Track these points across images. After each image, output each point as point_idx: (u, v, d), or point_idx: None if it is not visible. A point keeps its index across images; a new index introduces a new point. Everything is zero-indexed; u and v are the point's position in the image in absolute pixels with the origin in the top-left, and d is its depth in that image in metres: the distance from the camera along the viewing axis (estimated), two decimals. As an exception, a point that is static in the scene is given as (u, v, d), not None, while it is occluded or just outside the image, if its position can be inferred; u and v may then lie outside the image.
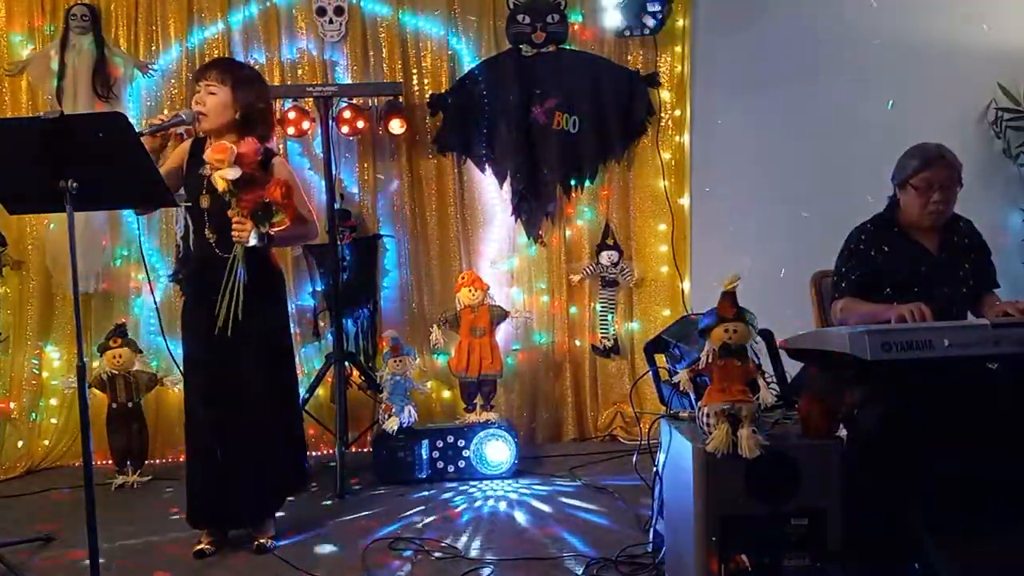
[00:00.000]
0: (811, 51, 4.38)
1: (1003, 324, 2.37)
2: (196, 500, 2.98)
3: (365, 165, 4.41)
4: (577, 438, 4.45)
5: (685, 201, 4.49)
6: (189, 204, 2.90)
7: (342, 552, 2.99)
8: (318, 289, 4.34)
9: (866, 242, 2.87)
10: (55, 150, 2.26)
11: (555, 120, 4.37)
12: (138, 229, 3.60)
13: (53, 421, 4.29)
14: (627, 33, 4.34)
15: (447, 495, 3.60)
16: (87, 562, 2.33)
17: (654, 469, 2.74)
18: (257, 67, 3.97)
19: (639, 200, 4.50)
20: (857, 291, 2.83)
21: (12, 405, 4.27)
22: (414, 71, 4.39)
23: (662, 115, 4.45)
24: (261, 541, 2.99)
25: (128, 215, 4.31)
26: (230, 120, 2.85)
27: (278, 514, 3.17)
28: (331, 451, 4.13)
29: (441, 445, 3.78)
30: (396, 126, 4.19)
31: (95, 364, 3.97)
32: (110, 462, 3.96)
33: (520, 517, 3.31)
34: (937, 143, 2.84)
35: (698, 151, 4.46)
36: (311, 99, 4.10)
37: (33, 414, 4.29)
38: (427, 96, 4.36)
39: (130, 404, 3.93)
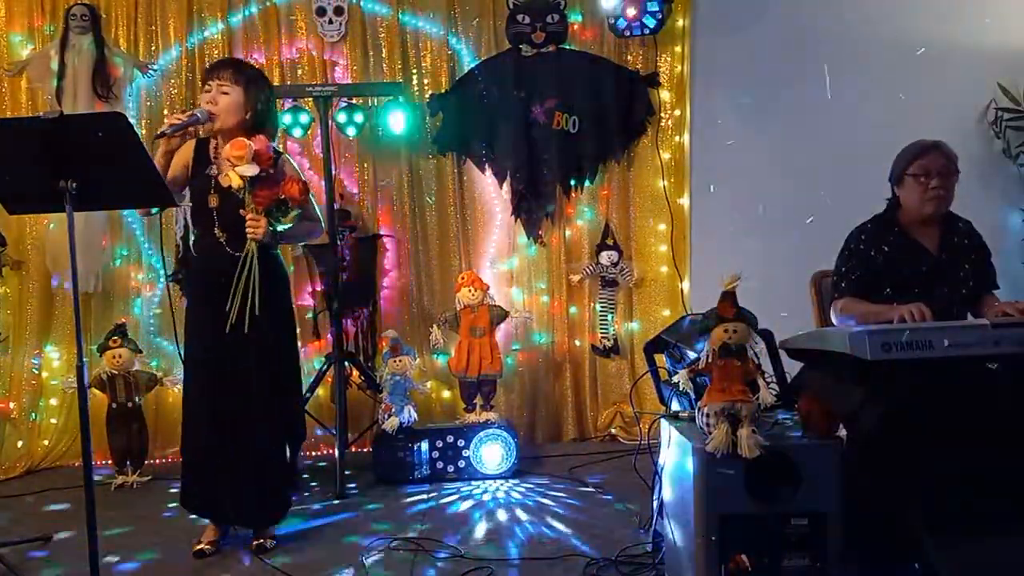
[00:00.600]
0: (811, 51, 4.38)
1: (1003, 324, 2.37)
2: (194, 491, 2.99)
3: (365, 165, 4.41)
4: (577, 438, 4.45)
5: (685, 201, 4.49)
6: (192, 205, 2.90)
7: (342, 552, 2.99)
8: (318, 289, 4.34)
9: (866, 242, 2.87)
10: (55, 150, 2.26)
11: (555, 120, 4.37)
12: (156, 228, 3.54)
13: (53, 421, 4.29)
14: (627, 33, 4.34)
15: (447, 495, 3.61)
16: (87, 562, 2.33)
17: (654, 469, 2.74)
18: (253, 64, 3.96)
19: (639, 200, 4.50)
20: (857, 291, 2.83)
21: (12, 405, 4.27)
22: (414, 71, 4.40)
23: (662, 115, 4.45)
24: (261, 541, 2.99)
25: (128, 215, 4.31)
26: (241, 120, 2.86)
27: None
28: (331, 451, 4.12)
29: (441, 445, 3.78)
30: (396, 126, 4.19)
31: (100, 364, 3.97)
32: (110, 462, 3.96)
33: (520, 517, 3.31)
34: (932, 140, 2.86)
35: (698, 151, 4.46)
36: (311, 99, 4.10)
37: (33, 414, 4.29)
38: (427, 96, 4.36)
39: (130, 404, 3.93)
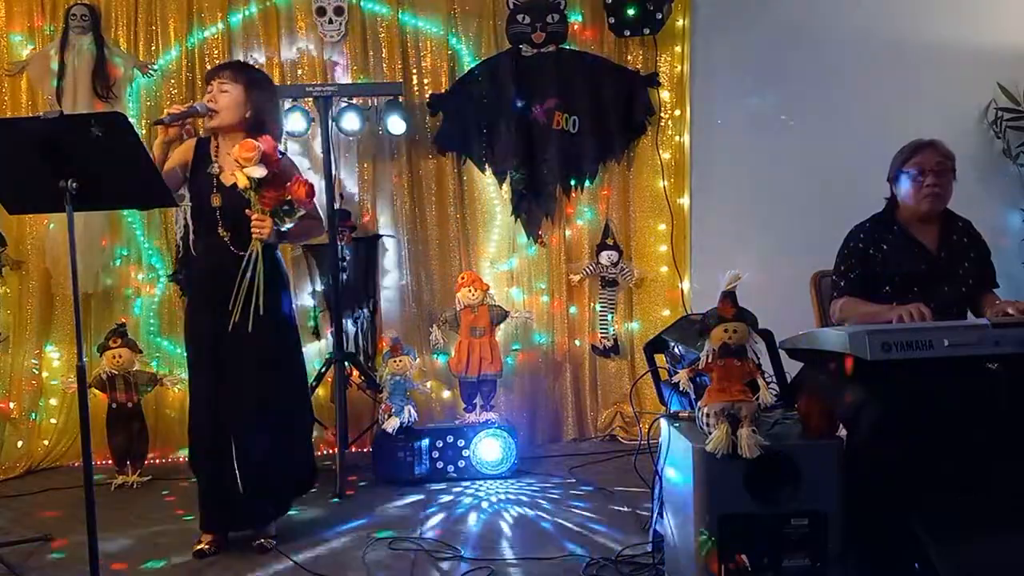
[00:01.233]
0: (811, 51, 4.38)
1: (1003, 324, 2.37)
2: (208, 505, 2.98)
3: (365, 165, 4.41)
4: (577, 438, 4.45)
5: (685, 201, 4.49)
6: (194, 204, 2.90)
7: (342, 552, 2.99)
8: (318, 289, 4.34)
9: (865, 241, 2.87)
10: (55, 150, 2.26)
11: (555, 120, 4.37)
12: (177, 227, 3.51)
13: (53, 421, 4.29)
14: (627, 33, 4.34)
15: (447, 495, 3.60)
16: (87, 562, 2.33)
17: (654, 469, 2.74)
18: (257, 67, 3.95)
19: (639, 200, 4.50)
20: (856, 290, 2.83)
21: (12, 405, 4.27)
22: (414, 71, 4.40)
23: (662, 115, 4.45)
24: (261, 541, 2.99)
25: (128, 215, 4.31)
26: (241, 119, 2.87)
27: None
28: (331, 451, 4.12)
29: (441, 445, 3.78)
30: (396, 126, 4.19)
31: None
32: (110, 462, 3.96)
33: (520, 517, 3.31)
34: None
35: (698, 151, 4.46)
36: (311, 99, 4.10)
37: (33, 414, 4.29)
38: (427, 96, 4.36)
39: (130, 404, 3.93)
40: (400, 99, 4.24)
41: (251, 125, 2.87)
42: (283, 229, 2.82)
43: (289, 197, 2.76)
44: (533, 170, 4.40)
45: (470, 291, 3.88)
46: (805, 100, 4.38)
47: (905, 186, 2.83)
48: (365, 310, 4.37)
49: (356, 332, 4.35)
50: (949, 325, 2.45)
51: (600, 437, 4.45)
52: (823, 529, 2.28)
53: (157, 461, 4.21)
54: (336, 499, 3.58)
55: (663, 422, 2.63)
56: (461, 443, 3.79)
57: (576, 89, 4.36)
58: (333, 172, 4.02)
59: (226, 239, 2.85)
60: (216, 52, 4.29)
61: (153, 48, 4.30)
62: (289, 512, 3.22)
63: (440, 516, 3.35)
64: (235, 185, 2.78)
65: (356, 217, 4.35)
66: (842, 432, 2.42)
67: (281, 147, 2.91)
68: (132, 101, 4.28)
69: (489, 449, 3.79)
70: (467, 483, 3.74)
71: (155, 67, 4.29)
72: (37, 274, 4.29)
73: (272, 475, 2.95)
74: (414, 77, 4.40)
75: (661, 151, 4.45)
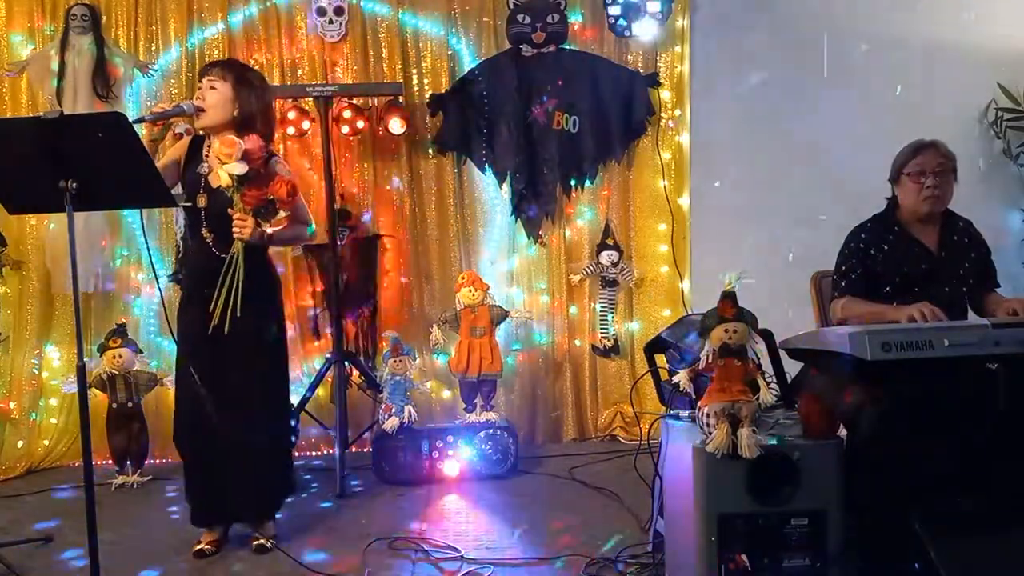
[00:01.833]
0: (811, 51, 4.38)
1: (1003, 324, 2.38)
2: (197, 500, 2.99)
3: (365, 165, 4.41)
4: (577, 438, 4.45)
5: (685, 201, 4.49)
6: (188, 204, 2.90)
7: (342, 552, 2.99)
8: (318, 289, 4.34)
9: (866, 241, 2.87)
10: (55, 150, 2.26)
11: (555, 120, 4.37)
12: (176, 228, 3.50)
13: (53, 421, 4.29)
14: (627, 33, 4.34)
15: (447, 495, 3.60)
16: (87, 562, 2.33)
17: (654, 469, 2.74)
18: (257, 67, 3.96)
19: (639, 200, 4.50)
20: (857, 290, 2.83)
21: (12, 405, 4.27)
22: (414, 71, 4.40)
23: (662, 115, 4.45)
24: (261, 541, 2.99)
25: (128, 215, 4.31)
26: (229, 117, 2.85)
27: (278, 515, 3.16)
28: (331, 451, 4.12)
29: (441, 445, 3.78)
30: (396, 126, 4.19)
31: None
32: (110, 462, 3.96)
33: (520, 517, 3.31)
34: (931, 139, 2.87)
35: (698, 151, 4.46)
36: (311, 99, 4.10)
37: (33, 414, 4.29)
38: (427, 96, 4.36)
39: (130, 404, 3.93)
40: (400, 99, 4.24)
41: (239, 124, 2.84)
42: (267, 231, 2.79)
43: (271, 196, 2.73)
44: (533, 170, 4.40)
45: (470, 291, 3.88)
46: (805, 100, 4.38)
47: (906, 187, 2.83)
48: (365, 310, 4.37)
49: (356, 332, 4.35)
50: (949, 325, 2.45)
51: (600, 437, 4.45)
52: (823, 529, 2.28)
53: (157, 461, 4.21)
54: (336, 499, 3.57)
55: (663, 422, 2.63)
56: (461, 443, 3.78)
57: (576, 89, 4.36)
58: (333, 172, 4.02)
59: (209, 241, 2.85)
60: (216, 52, 4.28)
61: (153, 48, 4.30)
62: (288, 512, 3.21)
63: (440, 516, 3.35)
64: (220, 187, 2.77)
65: (356, 217, 4.35)
66: (842, 432, 2.41)
67: (276, 148, 2.88)
68: (132, 101, 4.28)
69: (489, 449, 3.79)
70: (467, 483, 3.74)
71: (155, 67, 4.29)
72: (37, 274, 4.29)
73: (254, 472, 2.93)
74: (414, 77, 4.40)
75: (661, 151, 4.45)
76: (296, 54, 4.34)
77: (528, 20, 4.28)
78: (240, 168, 2.67)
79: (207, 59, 4.25)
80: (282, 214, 2.79)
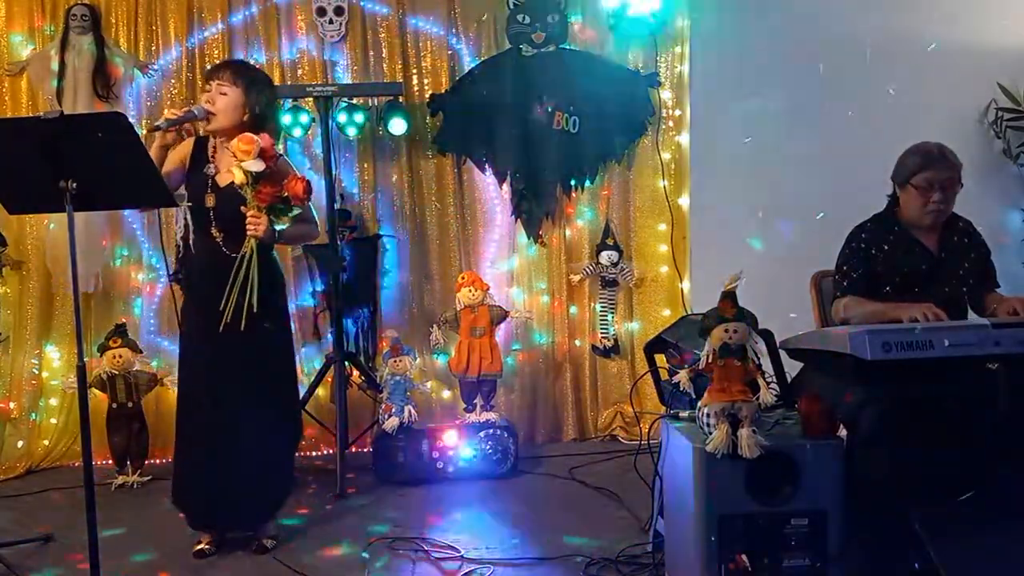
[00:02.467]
0: (811, 51, 4.37)
1: (1003, 324, 2.38)
2: (191, 502, 2.99)
3: (365, 165, 4.41)
4: (577, 438, 4.45)
5: (685, 201, 4.49)
6: (191, 204, 2.90)
7: (342, 552, 2.99)
8: (318, 289, 4.34)
9: (867, 241, 2.87)
10: (55, 150, 2.26)
11: (555, 120, 4.37)
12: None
13: (53, 421, 4.28)
14: (626, 33, 4.34)
15: (447, 495, 3.60)
16: (87, 562, 2.33)
17: (654, 469, 2.74)
18: (257, 67, 3.96)
19: (639, 200, 4.50)
20: (859, 290, 2.83)
21: (12, 405, 4.27)
22: (414, 71, 4.40)
23: (662, 115, 4.45)
24: (261, 541, 2.99)
25: (128, 215, 4.31)
26: (239, 120, 2.87)
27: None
28: (331, 451, 4.12)
29: (441, 445, 3.78)
30: (396, 126, 4.20)
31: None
32: (110, 462, 3.95)
33: (520, 517, 3.31)
34: (937, 143, 2.84)
35: (698, 151, 4.46)
36: (311, 99, 4.10)
37: (33, 414, 4.29)
38: (427, 96, 4.36)
39: (130, 404, 3.93)
40: (400, 99, 4.24)
41: (249, 126, 2.86)
42: (278, 228, 2.81)
43: (286, 194, 2.76)
44: (533, 170, 4.39)
45: (470, 291, 3.88)
46: (805, 100, 4.37)
47: (911, 196, 2.81)
48: (365, 310, 4.37)
49: (356, 332, 4.35)
50: (949, 325, 2.45)
51: (600, 437, 4.45)
52: (823, 529, 2.29)
53: (157, 461, 4.20)
54: (336, 499, 3.57)
55: (663, 422, 2.63)
56: (461, 443, 3.78)
57: (576, 89, 4.36)
58: (333, 172, 4.02)
59: (219, 240, 2.85)
60: (216, 52, 4.28)
61: (153, 48, 4.30)
62: (288, 512, 3.21)
63: (440, 516, 3.36)
64: (230, 186, 2.79)
65: (356, 217, 4.35)
66: (842, 432, 2.41)
67: (279, 148, 2.90)
68: (132, 101, 4.28)
69: (489, 449, 3.78)
70: (467, 483, 3.74)
71: (155, 67, 4.29)
72: (37, 274, 4.29)
73: (260, 474, 2.94)
74: (414, 77, 4.39)
75: (661, 151, 4.45)
76: (296, 54, 4.35)
77: (528, 20, 4.28)
78: (258, 166, 2.69)
79: (207, 59, 4.26)
80: (294, 212, 2.80)
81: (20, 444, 4.24)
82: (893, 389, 2.34)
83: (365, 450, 4.16)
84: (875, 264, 2.84)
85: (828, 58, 4.37)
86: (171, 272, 4.23)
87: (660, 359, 2.98)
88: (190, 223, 2.92)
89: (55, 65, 4.14)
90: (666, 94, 4.46)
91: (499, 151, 4.39)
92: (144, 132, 4.02)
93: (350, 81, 4.33)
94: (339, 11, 4.27)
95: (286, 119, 4.12)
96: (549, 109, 4.36)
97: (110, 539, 3.09)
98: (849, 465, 2.32)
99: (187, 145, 2.95)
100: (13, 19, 4.27)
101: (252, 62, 4.15)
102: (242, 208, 2.76)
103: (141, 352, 4.03)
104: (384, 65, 4.37)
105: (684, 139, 4.47)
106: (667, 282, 4.50)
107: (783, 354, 2.64)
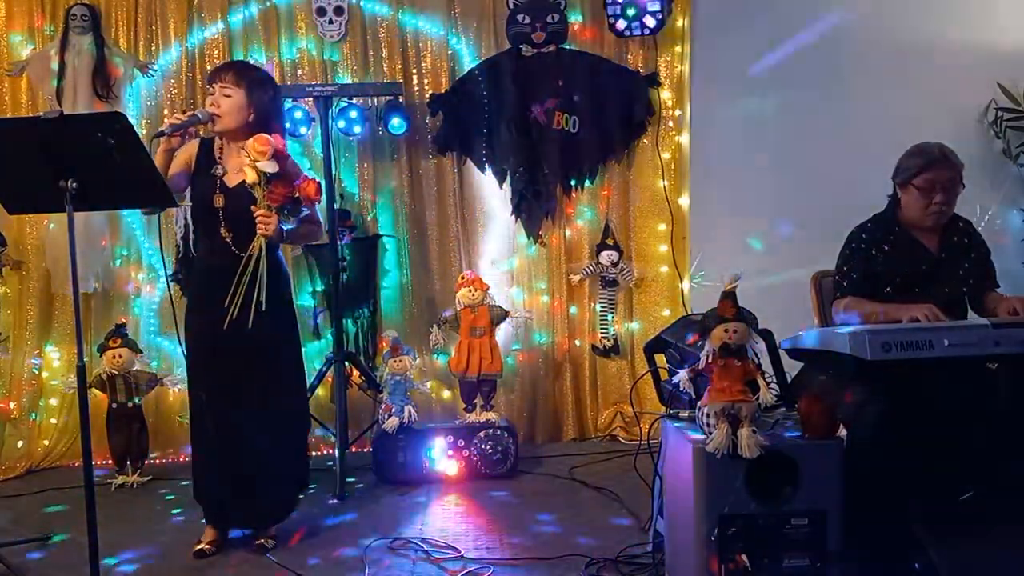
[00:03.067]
0: (811, 51, 4.37)
1: (1003, 324, 2.38)
2: (212, 502, 3.00)
3: (365, 165, 4.41)
4: (577, 438, 4.45)
5: (685, 201, 4.49)
6: (194, 205, 2.91)
7: (342, 552, 2.99)
8: (318, 289, 4.34)
9: (867, 241, 2.87)
10: (55, 150, 2.26)
11: (555, 120, 4.37)
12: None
13: (53, 421, 4.29)
14: (627, 33, 4.35)
15: (447, 495, 3.60)
16: (87, 562, 2.33)
17: (654, 469, 2.74)
18: (259, 67, 3.96)
19: (639, 200, 4.50)
20: (859, 290, 2.83)
21: (12, 405, 4.27)
22: (414, 71, 4.40)
23: (662, 115, 4.45)
24: (261, 541, 2.99)
25: (128, 215, 4.31)
26: (244, 122, 2.87)
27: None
28: (331, 451, 4.12)
29: (441, 445, 3.78)
30: (396, 126, 4.20)
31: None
32: (110, 462, 3.96)
33: (520, 517, 3.31)
34: (939, 143, 2.84)
35: (698, 151, 4.46)
36: (311, 99, 4.10)
37: (33, 414, 4.29)
38: (427, 96, 4.36)
39: (130, 404, 3.93)
40: (400, 99, 4.24)
41: (255, 127, 2.86)
42: (285, 228, 2.82)
43: (297, 194, 2.77)
44: (533, 170, 4.39)
45: (470, 291, 3.88)
46: (805, 100, 4.37)
47: (913, 197, 2.81)
48: (365, 310, 4.37)
49: (356, 332, 4.35)
50: (949, 325, 2.45)
51: (600, 437, 4.45)
52: (823, 529, 2.28)
53: (157, 461, 4.21)
54: (336, 499, 3.57)
55: (663, 422, 2.63)
56: (461, 443, 3.78)
57: (576, 89, 4.36)
58: (333, 172, 4.02)
59: (228, 240, 2.85)
60: (216, 52, 4.29)
61: (153, 48, 4.30)
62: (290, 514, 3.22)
63: (440, 516, 3.35)
64: (239, 186, 2.79)
65: (356, 217, 4.35)
66: (842, 432, 2.41)
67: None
68: (132, 101, 4.28)
69: (489, 449, 3.78)
70: (467, 483, 3.74)
71: (155, 67, 4.29)
72: (37, 274, 4.29)
73: (274, 473, 2.96)
74: (414, 77, 4.40)
75: (661, 151, 4.45)
76: (296, 54, 4.35)
77: (528, 20, 4.28)
78: (272, 167, 2.71)
79: (207, 59, 4.27)
80: (304, 211, 2.82)
81: (20, 444, 4.24)
82: (893, 389, 2.34)
83: (365, 450, 4.16)
84: (875, 264, 2.84)
85: (828, 58, 4.37)
86: (170, 272, 4.26)
87: (660, 359, 2.97)
88: (190, 223, 2.93)
89: (55, 65, 4.14)
90: (666, 94, 4.46)
91: (499, 151, 4.39)
92: (144, 132, 4.07)
93: (350, 81, 4.33)
94: (339, 11, 4.27)
95: (286, 119, 4.12)
96: (549, 109, 4.36)
97: (110, 539, 3.09)
98: (849, 465, 2.31)
99: (192, 147, 2.95)
100: (13, 19, 4.28)
101: (253, 62, 4.17)
102: (252, 208, 2.77)
103: (141, 352, 4.03)
104: (384, 65, 4.37)
105: (684, 139, 4.48)
106: (667, 282, 4.50)
107: (783, 354, 2.64)
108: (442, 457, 3.78)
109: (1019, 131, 4.41)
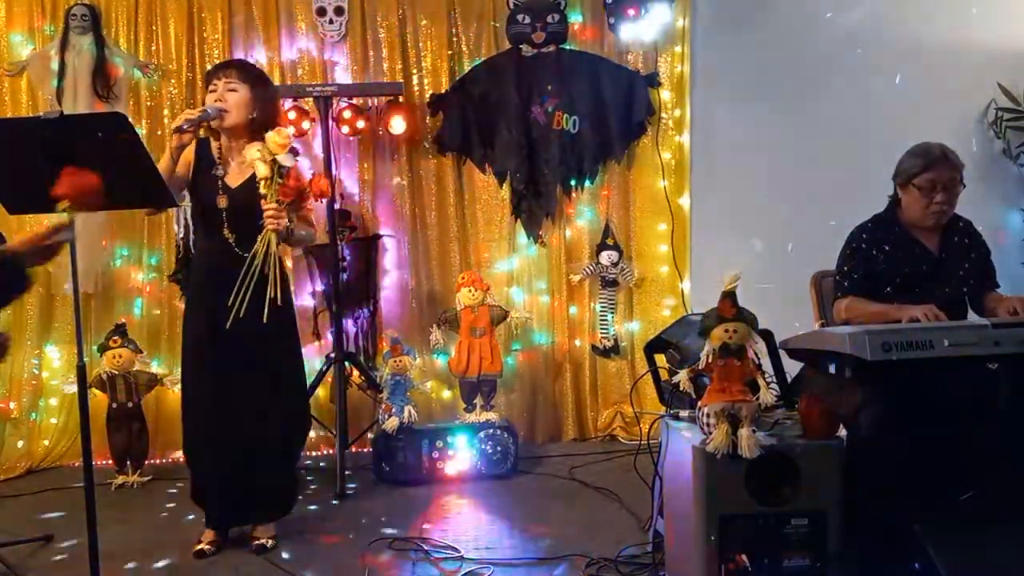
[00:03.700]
0: (811, 51, 4.38)
1: (1003, 324, 2.38)
2: (214, 503, 3.00)
3: (365, 165, 4.41)
4: (577, 438, 4.45)
5: (685, 201, 4.49)
6: (194, 205, 2.91)
7: (342, 552, 2.99)
8: (318, 289, 4.34)
9: (867, 241, 2.87)
10: (55, 150, 2.26)
11: (555, 120, 4.37)
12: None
13: (53, 421, 4.28)
14: (627, 33, 4.34)
15: (447, 495, 3.60)
16: (87, 562, 2.33)
17: (654, 469, 2.74)
18: (260, 68, 3.96)
19: (639, 200, 4.50)
20: (860, 290, 2.83)
21: (12, 405, 4.27)
22: (414, 71, 4.40)
23: (662, 115, 4.45)
24: (261, 541, 2.99)
25: (128, 215, 4.30)
26: (247, 117, 2.87)
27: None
28: (331, 451, 4.12)
29: (441, 445, 3.78)
30: (396, 126, 4.20)
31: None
32: (110, 462, 3.95)
33: (520, 517, 3.31)
34: (939, 143, 2.84)
35: (698, 151, 4.46)
36: (311, 99, 4.10)
37: (33, 414, 4.29)
38: (427, 96, 4.36)
39: (130, 404, 3.93)
40: (400, 99, 4.24)
41: (257, 125, 2.87)
42: (290, 225, 2.82)
43: (307, 189, 2.80)
44: (533, 170, 4.39)
45: (470, 291, 3.88)
46: (805, 100, 4.37)
47: (913, 197, 2.81)
48: (365, 310, 4.37)
49: (356, 332, 4.35)
50: (949, 325, 2.45)
51: (600, 437, 4.45)
52: (823, 529, 2.29)
53: (157, 461, 4.20)
54: (336, 499, 3.57)
55: (663, 422, 2.63)
56: (461, 443, 3.78)
57: (576, 89, 4.36)
58: (333, 172, 4.02)
59: (231, 240, 2.85)
60: (216, 52, 4.28)
61: (153, 48, 4.30)
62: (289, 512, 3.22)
63: (440, 516, 3.35)
64: (241, 186, 2.79)
65: (356, 217, 4.35)
66: (842, 432, 2.41)
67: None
68: (132, 101, 4.28)
69: (489, 449, 3.78)
70: (467, 483, 3.74)
71: (155, 67, 4.28)
72: (37, 274, 4.28)
73: (271, 472, 2.96)
74: (414, 77, 4.40)
75: (661, 151, 4.45)
76: (296, 54, 4.35)
77: (528, 20, 4.28)
78: (290, 160, 2.73)
79: (207, 59, 4.26)
80: (309, 206, 2.84)
81: (20, 444, 4.24)
82: (893, 389, 2.34)
83: (365, 450, 4.16)
84: (875, 264, 2.84)
85: (828, 58, 4.37)
86: (170, 272, 4.26)
87: (660, 359, 2.97)
88: (191, 224, 2.93)
89: (55, 65, 4.14)
90: (666, 94, 4.45)
91: (499, 151, 4.39)
92: (144, 132, 4.07)
93: (350, 81, 4.33)
94: (339, 11, 4.27)
95: (286, 119, 4.12)
96: (549, 109, 4.36)
97: (110, 539, 3.09)
98: (849, 465, 2.31)
99: (189, 148, 2.96)
100: (13, 19, 4.27)
101: (250, 61, 4.17)
102: (261, 202, 2.76)
103: (141, 352, 4.03)
104: (384, 65, 4.37)
105: (684, 139, 4.47)
106: (667, 282, 4.50)
107: (783, 354, 2.64)
108: (442, 457, 3.78)
109: (1019, 131, 4.41)
